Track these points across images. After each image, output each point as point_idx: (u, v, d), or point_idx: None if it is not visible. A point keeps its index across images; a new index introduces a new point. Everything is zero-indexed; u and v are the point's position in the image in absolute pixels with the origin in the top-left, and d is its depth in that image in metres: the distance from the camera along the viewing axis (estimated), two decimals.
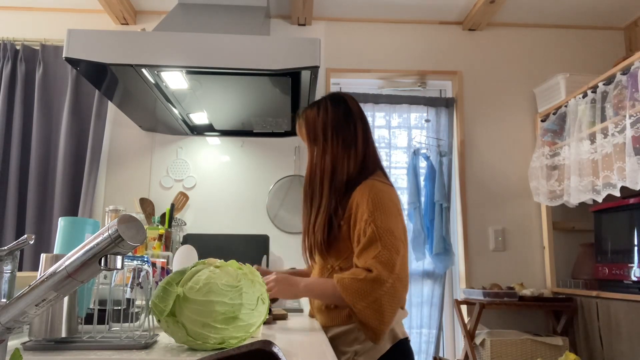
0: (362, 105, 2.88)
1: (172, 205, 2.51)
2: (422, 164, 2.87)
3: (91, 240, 0.59)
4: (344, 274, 1.24)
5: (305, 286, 1.32)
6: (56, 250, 1.05)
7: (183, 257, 1.54)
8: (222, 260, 0.97)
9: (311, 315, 1.48)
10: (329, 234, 1.33)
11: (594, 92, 2.33)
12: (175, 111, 2.39)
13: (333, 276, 1.27)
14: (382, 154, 2.89)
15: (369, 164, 1.38)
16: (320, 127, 1.38)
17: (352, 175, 1.35)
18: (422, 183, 2.85)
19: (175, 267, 1.54)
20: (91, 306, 1.03)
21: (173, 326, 0.88)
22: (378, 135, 2.91)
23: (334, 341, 1.31)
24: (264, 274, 1.31)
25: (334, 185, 1.35)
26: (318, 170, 1.37)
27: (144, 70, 1.86)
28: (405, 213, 2.85)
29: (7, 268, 0.75)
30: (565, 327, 2.52)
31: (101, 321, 1.01)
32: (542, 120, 2.78)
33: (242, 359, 0.54)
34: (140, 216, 2.62)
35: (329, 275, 1.34)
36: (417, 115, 2.97)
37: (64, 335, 0.88)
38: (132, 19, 2.89)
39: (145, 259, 1.14)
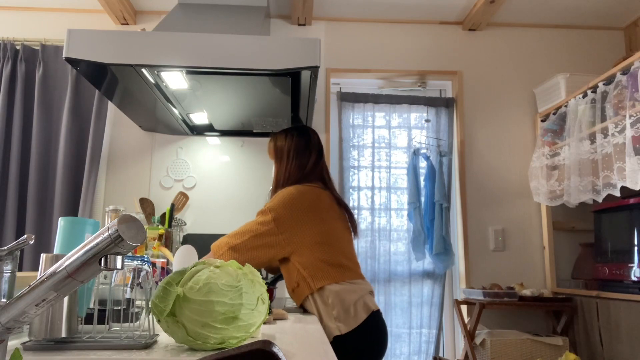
0: (362, 105, 2.93)
1: (172, 205, 2.51)
2: (422, 164, 2.87)
3: (91, 240, 0.59)
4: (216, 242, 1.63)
5: None
6: (56, 250, 1.05)
7: (183, 257, 1.54)
8: (222, 260, 0.97)
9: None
10: None
11: (594, 92, 2.33)
12: (175, 111, 2.39)
13: (298, 271, 1.55)
14: (382, 154, 2.89)
15: (309, 177, 1.69)
16: (286, 150, 1.73)
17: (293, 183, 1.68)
18: (422, 183, 2.85)
19: (175, 267, 1.54)
20: (91, 306, 1.03)
21: (173, 326, 0.88)
22: (378, 135, 2.91)
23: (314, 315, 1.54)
24: None
25: None
26: (279, 181, 1.72)
27: (144, 70, 1.86)
28: (405, 213, 2.85)
29: (7, 268, 0.75)
30: (565, 327, 2.52)
31: (101, 321, 1.01)
32: (542, 120, 2.78)
33: (242, 359, 0.54)
34: (140, 216, 2.62)
35: (297, 274, 1.56)
36: (417, 115, 2.97)
37: (64, 335, 0.88)
38: (132, 19, 2.89)
39: (145, 259, 1.14)
